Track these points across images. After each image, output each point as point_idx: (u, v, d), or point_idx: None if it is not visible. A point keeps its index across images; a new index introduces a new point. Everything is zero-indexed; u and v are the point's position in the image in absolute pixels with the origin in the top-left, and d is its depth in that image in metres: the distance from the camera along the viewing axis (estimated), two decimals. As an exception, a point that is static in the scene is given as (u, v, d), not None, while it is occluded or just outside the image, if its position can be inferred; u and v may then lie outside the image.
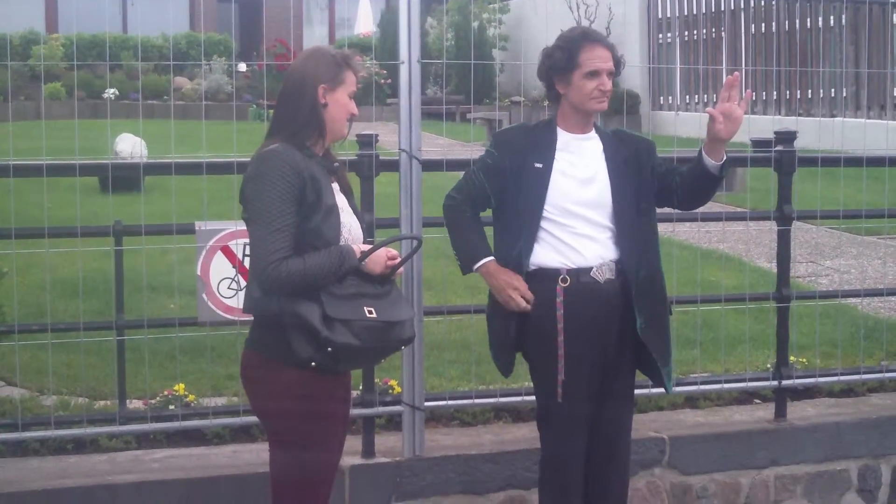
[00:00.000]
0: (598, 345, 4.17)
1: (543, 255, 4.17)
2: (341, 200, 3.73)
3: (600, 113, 4.27)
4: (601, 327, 4.16)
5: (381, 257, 3.66)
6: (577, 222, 4.14)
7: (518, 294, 4.15)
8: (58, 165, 5.21)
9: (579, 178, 4.18)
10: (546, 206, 4.14)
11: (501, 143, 4.31)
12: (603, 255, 4.16)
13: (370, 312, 3.55)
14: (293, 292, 3.50)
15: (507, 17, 25.42)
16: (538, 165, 4.17)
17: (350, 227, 3.70)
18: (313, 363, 3.51)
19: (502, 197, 4.25)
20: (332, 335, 3.48)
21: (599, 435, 4.28)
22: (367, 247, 3.65)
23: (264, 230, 3.49)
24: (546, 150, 4.20)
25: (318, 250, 3.53)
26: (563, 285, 4.11)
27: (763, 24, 19.91)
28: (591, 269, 4.12)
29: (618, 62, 4.21)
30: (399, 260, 3.71)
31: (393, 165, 5.09)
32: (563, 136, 4.24)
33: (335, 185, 3.74)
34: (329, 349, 3.49)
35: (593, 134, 4.29)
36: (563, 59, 4.18)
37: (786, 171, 5.79)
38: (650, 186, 4.30)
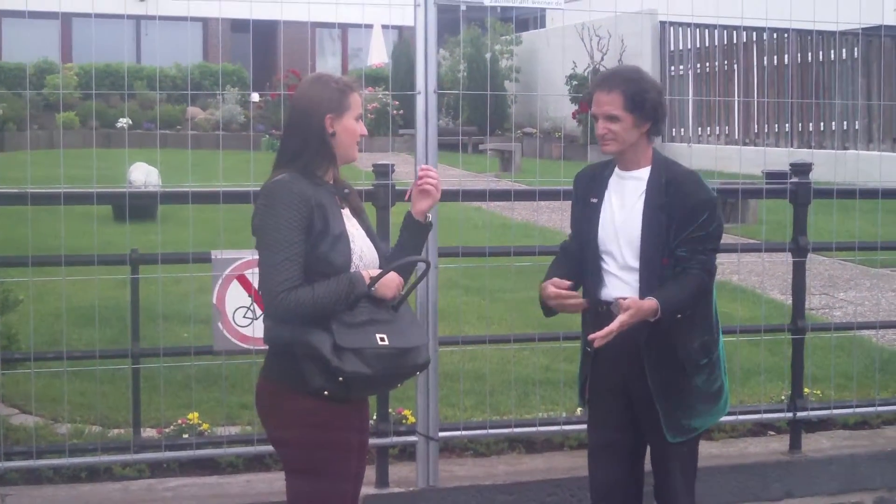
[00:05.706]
0: (617, 376, 4.18)
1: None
2: (352, 226, 3.72)
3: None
4: (617, 360, 4.16)
5: (393, 281, 3.65)
6: (607, 258, 4.17)
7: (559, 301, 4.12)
8: (75, 194, 5.24)
9: (615, 215, 4.18)
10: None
11: (575, 180, 4.38)
12: (622, 293, 4.09)
13: (382, 339, 3.54)
14: (304, 321, 3.50)
15: (520, 48, 25.47)
16: (593, 200, 4.23)
17: (362, 253, 3.69)
18: (325, 392, 3.51)
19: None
20: (343, 365, 3.46)
21: (654, 466, 4.28)
22: (377, 272, 3.64)
23: (273, 260, 3.50)
24: (601, 186, 4.25)
25: (328, 278, 3.53)
26: (600, 310, 4.15)
27: (776, 57, 19.94)
28: (609, 303, 4.11)
29: (632, 103, 4.06)
30: (409, 284, 3.70)
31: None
32: (616, 173, 4.26)
33: (346, 211, 3.74)
34: (340, 378, 3.48)
35: (644, 172, 4.19)
36: (588, 102, 4.27)
37: (801, 203, 5.78)
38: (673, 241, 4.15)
